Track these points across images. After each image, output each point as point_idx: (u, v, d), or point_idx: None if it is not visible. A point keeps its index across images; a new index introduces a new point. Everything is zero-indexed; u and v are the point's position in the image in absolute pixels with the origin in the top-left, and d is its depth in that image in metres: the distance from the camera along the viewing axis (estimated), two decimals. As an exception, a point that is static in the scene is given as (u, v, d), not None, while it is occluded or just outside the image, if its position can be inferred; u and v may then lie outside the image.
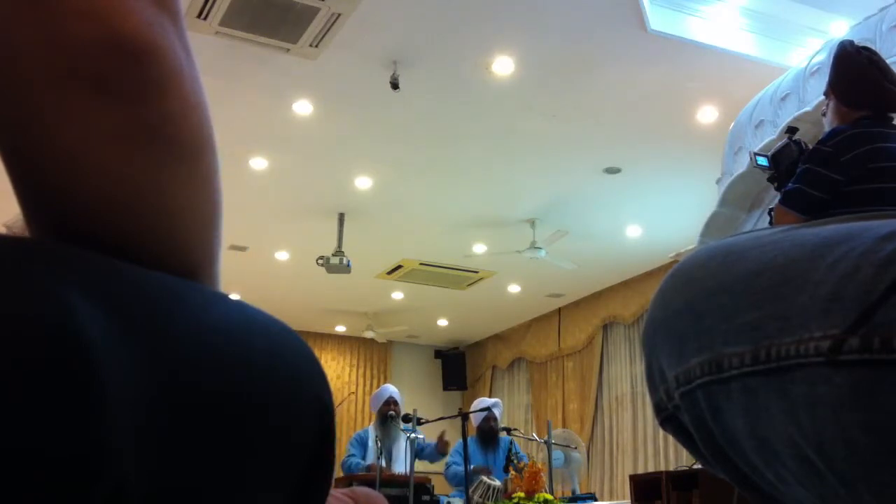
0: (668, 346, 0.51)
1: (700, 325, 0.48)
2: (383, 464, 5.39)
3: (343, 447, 5.98)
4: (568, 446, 6.14)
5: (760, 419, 0.44)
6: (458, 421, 5.06)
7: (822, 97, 2.78)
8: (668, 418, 0.52)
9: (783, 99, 4.28)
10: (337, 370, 11.00)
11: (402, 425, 5.45)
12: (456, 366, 11.62)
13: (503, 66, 4.94)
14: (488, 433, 5.94)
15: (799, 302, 0.41)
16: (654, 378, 0.53)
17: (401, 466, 5.59)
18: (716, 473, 0.52)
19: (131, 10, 0.43)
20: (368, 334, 10.22)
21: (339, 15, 4.40)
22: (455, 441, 6.16)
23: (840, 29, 4.66)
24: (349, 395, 10.69)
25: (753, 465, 0.47)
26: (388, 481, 5.16)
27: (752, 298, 0.44)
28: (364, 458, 5.77)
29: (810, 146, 2.65)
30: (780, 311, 0.42)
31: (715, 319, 0.46)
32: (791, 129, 2.92)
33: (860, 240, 0.41)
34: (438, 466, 6.28)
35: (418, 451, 5.34)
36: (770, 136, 4.22)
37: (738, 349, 0.44)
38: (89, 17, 0.41)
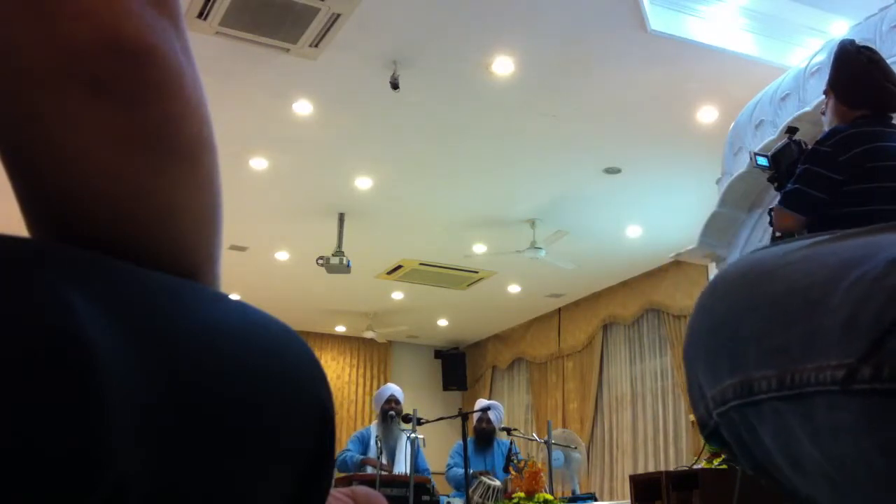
0: (704, 364, 0.52)
1: (732, 345, 0.48)
2: (384, 462, 5.39)
3: (343, 447, 5.98)
4: (568, 446, 6.13)
5: (790, 440, 0.45)
6: (458, 421, 5.06)
7: (823, 97, 2.78)
8: (711, 433, 0.53)
9: (783, 99, 4.28)
10: (337, 370, 11.00)
11: (402, 425, 5.45)
12: (456, 366, 11.62)
13: (503, 66, 4.94)
14: (481, 434, 5.96)
15: (820, 327, 0.42)
16: (695, 394, 0.54)
17: (402, 466, 5.59)
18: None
19: (130, 13, 0.43)
20: (368, 334, 10.22)
21: (339, 15, 4.40)
22: (452, 443, 6.17)
23: (840, 29, 4.66)
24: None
25: (793, 482, 0.48)
26: (388, 481, 5.16)
27: (780, 320, 0.45)
28: (364, 455, 5.77)
29: (810, 146, 2.66)
30: (803, 335, 0.43)
31: (746, 341, 0.47)
32: (791, 129, 2.92)
33: (874, 262, 0.41)
34: (439, 467, 6.28)
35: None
36: (770, 136, 4.22)
37: (767, 373, 0.44)
38: (88, 19, 0.42)
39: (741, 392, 0.47)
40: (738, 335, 0.48)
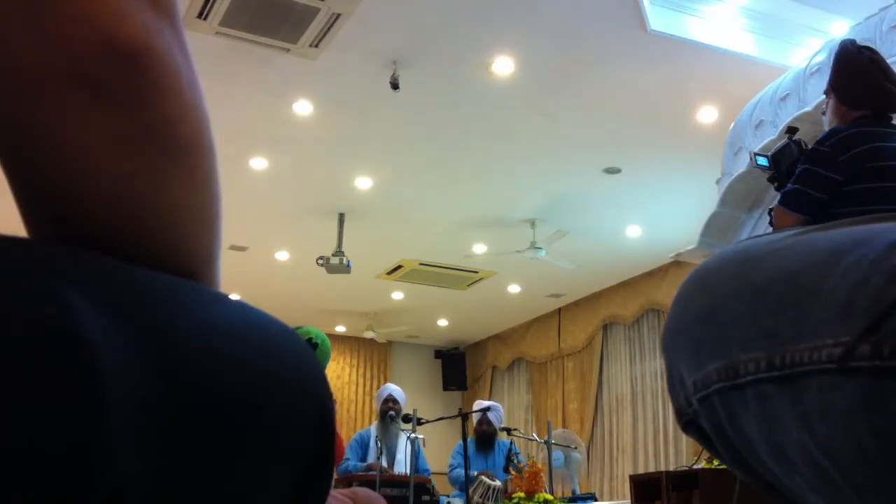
0: (686, 352, 0.51)
1: (717, 331, 0.48)
2: (384, 463, 5.39)
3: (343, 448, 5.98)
4: (568, 446, 6.13)
5: (775, 426, 0.44)
6: (458, 421, 5.06)
7: (823, 97, 2.78)
8: (689, 423, 0.53)
9: (783, 99, 4.28)
10: (337, 370, 11.00)
11: (402, 425, 5.45)
12: (456, 366, 11.62)
13: (503, 66, 4.94)
14: (481, 436, 5.97)
15: (813, 309, 0.41)
16: (675, 383, 0.53)
17: (402, 467, 5.59)
18: (743, 478, 0.52)
19: (127, 14, 0.43)
20: (368, 334, 10.22)
21: (339, 15, 4.40)
22: (453, 443, 6.17)
23: (840, 29, 4.66)
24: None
25: (773, 473, 0.47)
26: (388, 481, 5.16)
27: (768, 306, 0.44)
28: (364, 458, 5.77)
29: (810, 146, 2.66)
30: (795, 318, 0.42)
31: (732, 326, 0.46)
32: (791, 129, 2.92)
33: (871, 247, 0.41)
34: (439, 467, 6.28)
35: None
36: (770, 136, 4.22)
37: (754, 355, 0.44)
38: (86, 21, 0.42)
39: (726, 375, 0.46)
40: (723, 322, 0.47)
